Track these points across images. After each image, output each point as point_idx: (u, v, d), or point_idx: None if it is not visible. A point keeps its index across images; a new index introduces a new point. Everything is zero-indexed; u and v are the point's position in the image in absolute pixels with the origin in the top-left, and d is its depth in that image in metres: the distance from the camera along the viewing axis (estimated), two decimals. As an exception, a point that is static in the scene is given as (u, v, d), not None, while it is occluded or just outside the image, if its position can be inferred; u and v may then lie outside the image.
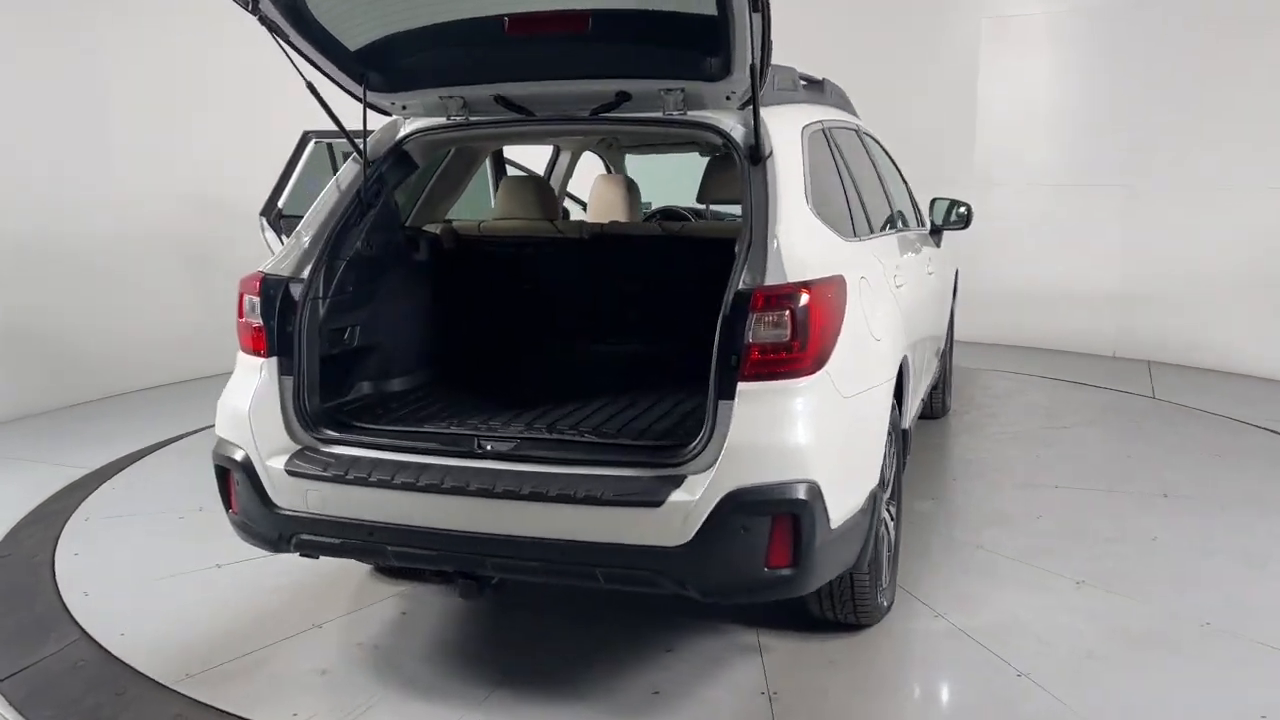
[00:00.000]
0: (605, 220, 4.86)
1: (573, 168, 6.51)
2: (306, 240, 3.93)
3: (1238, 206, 7.97)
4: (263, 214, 6.10)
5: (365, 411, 4.03)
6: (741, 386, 3.25)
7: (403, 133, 4.13)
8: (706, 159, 5.49)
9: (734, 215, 6.52)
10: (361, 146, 4.02)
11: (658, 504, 3.22)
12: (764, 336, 3.26)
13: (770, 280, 3.31)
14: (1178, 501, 5.72)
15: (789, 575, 3.26)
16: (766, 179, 3.57)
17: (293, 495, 3.61)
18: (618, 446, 3.54)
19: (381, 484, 3.44)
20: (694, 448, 3.30)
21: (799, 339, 3.27)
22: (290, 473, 3.60)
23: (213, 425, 3.92)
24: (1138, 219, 8.66)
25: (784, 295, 3.28)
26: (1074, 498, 5.76)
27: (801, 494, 3.21)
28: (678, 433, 3.63)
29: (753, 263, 3.38)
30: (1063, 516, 5.45)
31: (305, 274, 3.82)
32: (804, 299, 3.28)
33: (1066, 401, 7.81)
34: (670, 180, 6.92)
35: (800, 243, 3.44)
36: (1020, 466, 6.42)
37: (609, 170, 6.78)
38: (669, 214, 6.70)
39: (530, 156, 6.58)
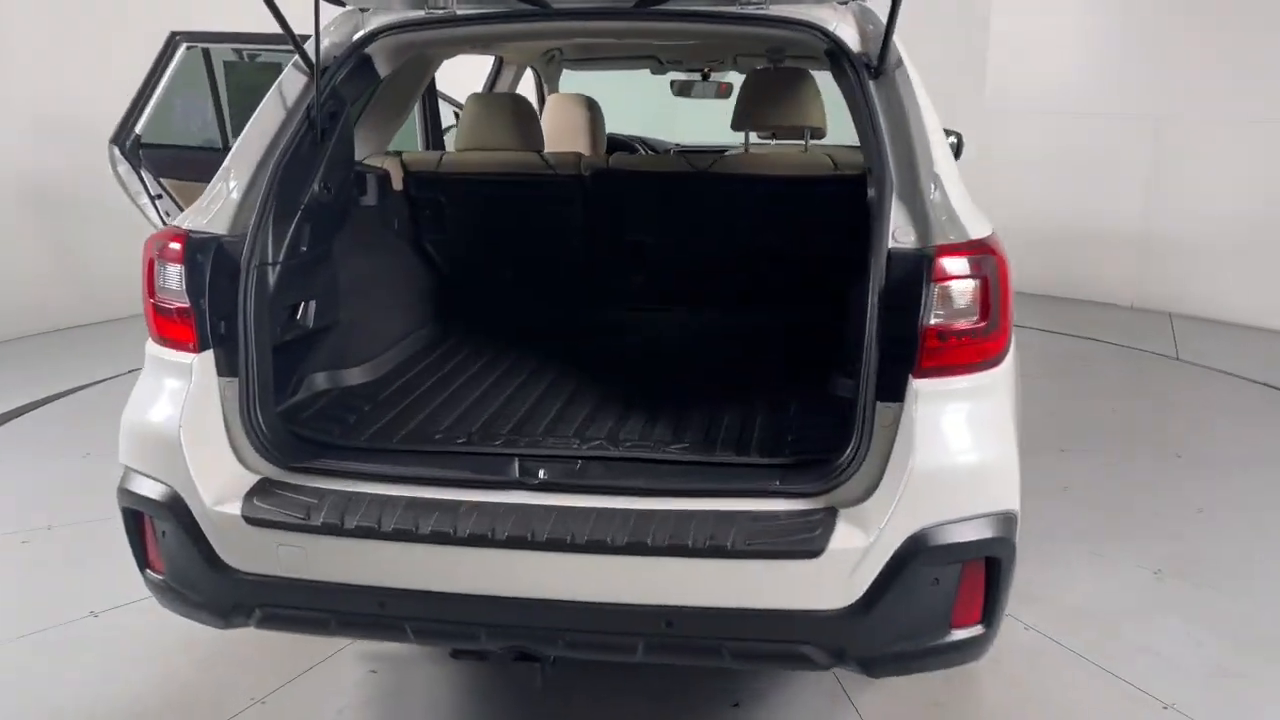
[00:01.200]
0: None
1: (515, 86, 5.37)
2: (240, 182, 2.76)
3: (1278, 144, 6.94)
4: (114, 141, 4.73)
5: (334, 419, 2.93)
6: (918, 384, 2.37)
7: (364, 30, 2.99)
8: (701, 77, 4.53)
9: (725, 146, 5.55)
10: (310, 51, 2.86)
11: (814, 553, 2.31)
12: (948, 314, 2.37)
13: (952, 237, 2.41)
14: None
15: (978, 636, 2.44)
16: (900, 99, 2.65)
17: (256, 552, 2.52)
18: (726, 467, 2.60)
19: (401, 535, 2.40)
20: (843, 467, 2.40)
21: (989, 316, 2.40)
22: (252, 520, 2.49)
23: (66, 397, 2.72)
24: (1165, 154, 7.46)
25: (974, 258, 2.39)
26: (1088, 462, 5.24)
27: (1004, 530, 2.38)
28: (804, 444, 2.70)
29: (913, 214, 2.47)
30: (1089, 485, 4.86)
31: (246, 230, 2.67)
32: (993, 262, 2.41)
33: (1082, 362, 6.91)
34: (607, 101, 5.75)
35: (960, 188, 2.55)
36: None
37: (543, 89, 5.65)
38: (615, 144, 5.66)
39: (456, 82, 5.37)
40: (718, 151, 4.11)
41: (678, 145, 6.45)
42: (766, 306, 3.84)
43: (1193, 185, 7.48)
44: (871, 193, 2.54)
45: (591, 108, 4.53)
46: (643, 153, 5.98)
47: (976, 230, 2.44)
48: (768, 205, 3.65)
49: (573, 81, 5.89)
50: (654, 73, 5.70)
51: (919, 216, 2.48)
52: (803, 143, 4.04)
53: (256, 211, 2.69)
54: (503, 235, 3.89)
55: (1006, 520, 2.38)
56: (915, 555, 2.32)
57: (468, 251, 3.94)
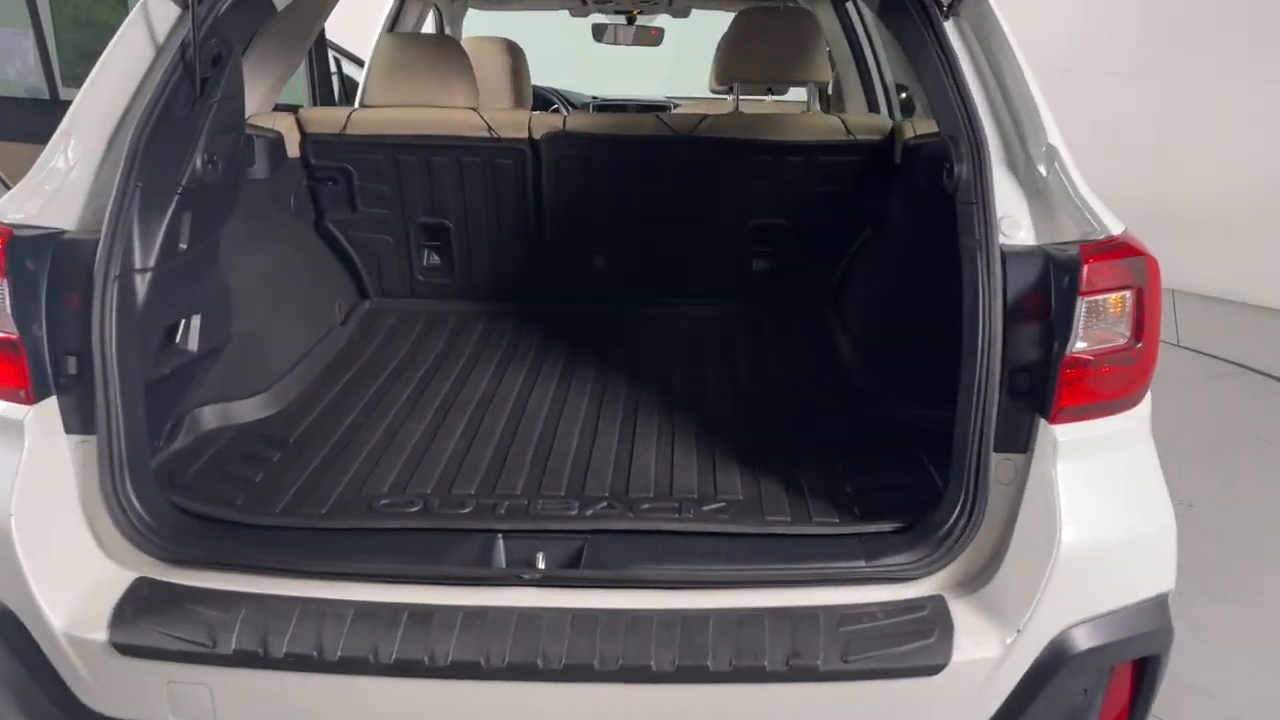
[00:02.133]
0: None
1: (420, 27, 4.50)
2: (87, 154, 1.96)
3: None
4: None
5: (232, 479, 2.16)
6: (1057, 431, 1.77)
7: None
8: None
9: (654, 101, 4.86)
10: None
11: (934, 669, 1.71)
12: (1095, 337, 1.78)
13: (1095, 233, 1.81)
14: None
15: None
16: (990, 44, 2.03)
17: (134, 695, 1.78)
18: (787, 539, 1.96)
19: (353, 666, 1.69)
20: (950, 536, 1.80)
21: (1142, 337, 1.82)
22: (126, 648, 1.74)
23: None
24: (1172, 117, 6.40)
25: (1127, 263, 1.80)
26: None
27: (1163, 617, 1.83)
28: (876, 497, 2.07)
29: (1027, 200, 1.87)
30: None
31: (100, 224, 1.87)
32: (1147, 267, 1.83)
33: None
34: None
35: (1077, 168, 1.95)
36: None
37: (441, 30, 4.81)
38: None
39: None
40: (680, 111, 3.38)
41: (595, 99, 5.70)
42: (766, 302, 3.19)
43: (1204, 153, 6.26)
44: (961, 169, 1.91)
45: (515, 55, 3.76)
46: (560, 108, 5.22)
47: (1113, 223, 1.84)
48: (766, 177, 2.99)
49: (479, 23, 5.07)
50: (574, 14, 4.94)
51: (1036, 204, 1.88)
52: (797, 101, 3.38)
53: (114, 197, 1.88)
54: (430, 216, 3.12)
55: (1162, 605, 1.82)
56: (1063, 662, 1.74)
57: (385, 237, 3.15)
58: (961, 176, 1.93)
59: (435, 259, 3.24)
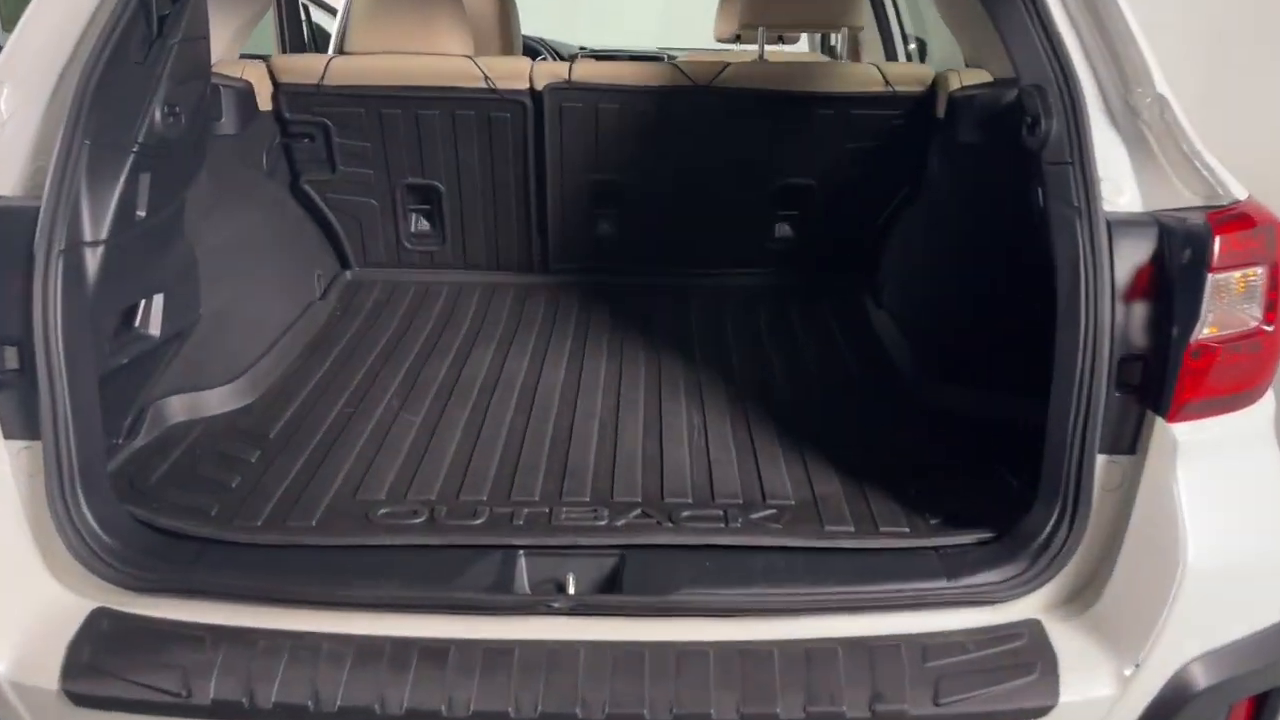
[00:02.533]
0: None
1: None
2: (24, 105, 1.65)
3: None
4: None
5: (204, 483, 1.88)
6: (1177, 430, 1.52)
7: None
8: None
9: (645, 51, 4.53)
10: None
11: (1039, 713, 1.47)
12: (1222, 319, 1.53)
13: (1219, 198, 1.56)
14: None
15: None
16: None
17: None
18: (853, 554, 1.70)
19: (353, 716, 1.43)
20: (1046, 550, 1.57)
21: (1270, 321, 1.57)
22: (82, 698, 1.47)
23: None
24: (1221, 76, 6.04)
25: (1259, 232, 1.55)
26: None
27: None
28: (944, 499, 1.81)
29: (1131, 158, 1.62)
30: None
31: (41, 190, 1.57)
32: (1278, 238, 1.57)
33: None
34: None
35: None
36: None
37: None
38: None
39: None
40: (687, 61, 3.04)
41: (583, 49, 5.35)
42: (791, 272, 2.92)
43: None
44: (1050, 124, 1.64)
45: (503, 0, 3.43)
46: (548, 58, 4.88)
47: (1236, 186, 1.59)
48: (794, 133, 2.70)
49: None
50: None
51: (1143, 163, 1.62)
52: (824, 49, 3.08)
53: (57, 156, 1.58)
54: (418, 177, 2.81)
55: None
56: (1185, 702, 1.50)
57: (369, 200, 2.84)
58: (1051, 132, 1.66)
59: (424, 224, 2.93)
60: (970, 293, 2.27)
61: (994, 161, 2.25)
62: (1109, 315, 1.54)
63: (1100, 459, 1.56)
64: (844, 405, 2.24)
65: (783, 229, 2.92)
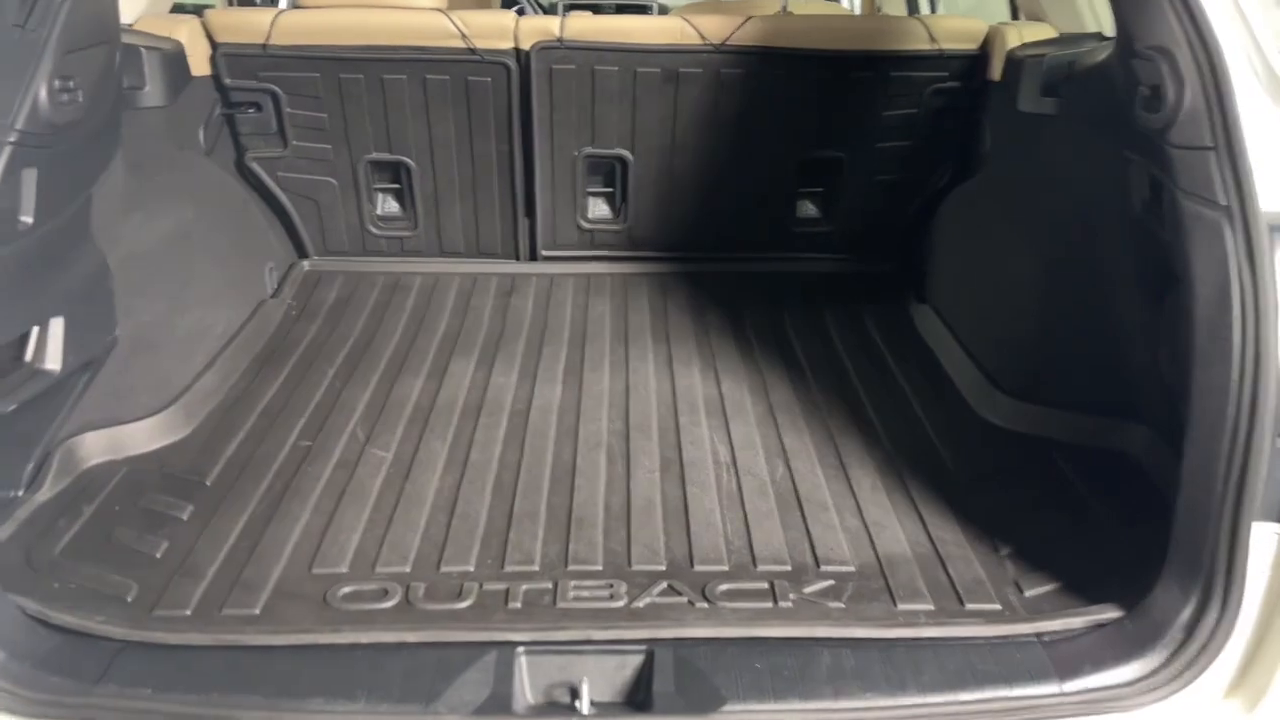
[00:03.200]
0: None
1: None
2: None
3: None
4: None
5: (121, 555, 1.51)
6: None
7: None
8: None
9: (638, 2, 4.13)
10: None
11: None
12: None
13: None
14: None
15: None
16: None
17: None
18: (940, 645, 1.36)
19: None
20: (1189, 644, 1.25)
21: None
22: None
23: None
24: None
25: None
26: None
27: None
28: (1037, 565, 1.47)
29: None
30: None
31: None
32: None
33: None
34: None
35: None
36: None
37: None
38: None
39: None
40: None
41: (567, 4, 4.91)
42: (816, 259, 2.55)
43: None
44: (1182, 96, 1.28)
45: None
46: (530, 11, 4.44)
47: None
48: (821, 98, 2.32)
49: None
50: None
51: None
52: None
53: None
54: (385, 152, 2.41)
55: None
56: None
57: (327, 179, 2.44)
58: (1182, 107, 1.29)
59: (393, 205, 2.54)
60: (1050, 294, 1.91)
61: (1072, 138, 1.89)
62: (1274, 347, 1.19)
63: (1259, 528, 1.22)
64: (898, 430, 1.88)
65: (807, 208, 2.55)
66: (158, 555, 1.50)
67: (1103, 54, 1.75)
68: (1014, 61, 2.16)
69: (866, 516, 1.62)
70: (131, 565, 1.48)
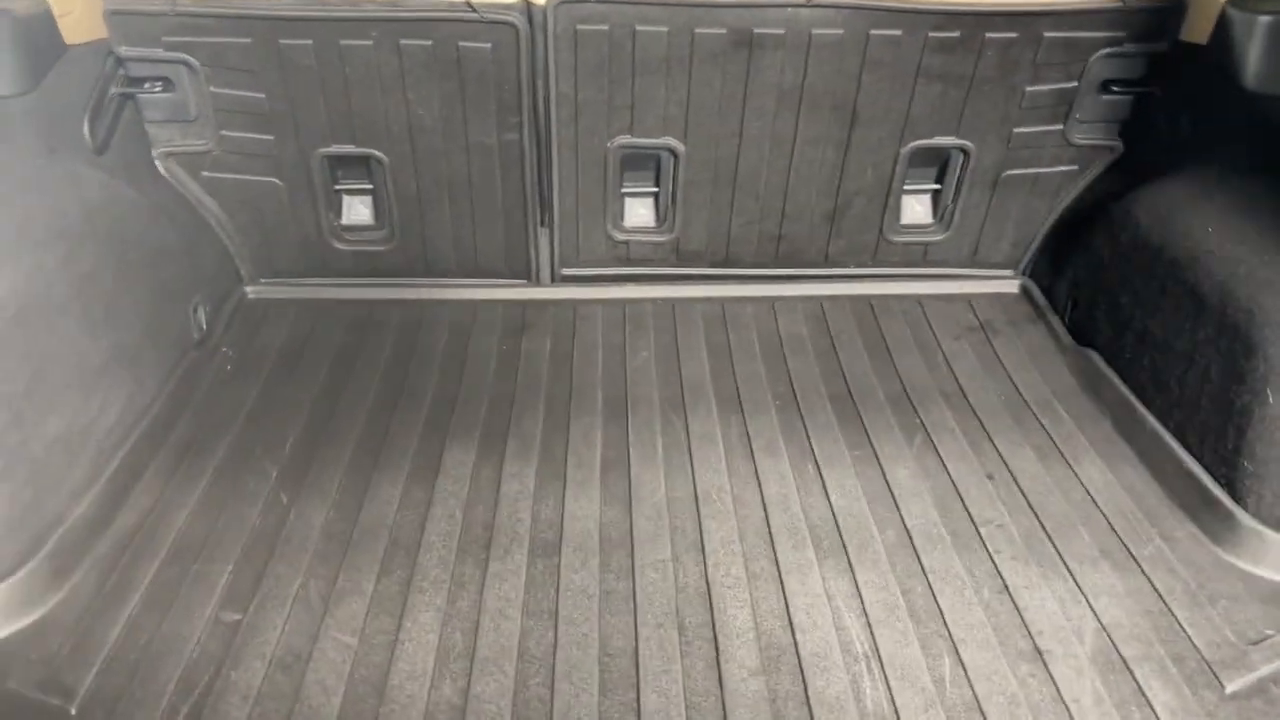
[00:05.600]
0: None
1: None
2: None
3: None
4: None
5: None
6: None
7: None
8: None
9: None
10: None
11: None
12: None
13: None
14: None
15: None
16: None
17: None
18: None
19: None
20: None
21: None
22: None
23: None
24: None
25: None
26: None
27: None
28: None
29: None
30: None
31: None
32: None
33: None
34: None
35: None
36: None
37: None
38: None
39: None
40: None
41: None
42: (929, 278, 1.94)
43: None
44: None
45: None
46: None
47: None
48: (942, 70, 1.69)
49: None
50: None
51: None
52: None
53: None
54: (346, 143, 1.76)
55: None
56: None
57: (269, 179, 1.80)
58: None
59: (361, 212, 1.90)
60: None
61: None
62: None
63: None
64: (1102, 583, 1.29)
65: (914, 211, 1.92)
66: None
67: None
68: (1232, 21, 1.52)
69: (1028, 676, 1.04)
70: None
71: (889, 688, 1.14)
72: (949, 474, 1.49)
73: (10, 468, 1.23)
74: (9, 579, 1.21)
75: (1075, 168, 1.84)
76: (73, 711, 1.10)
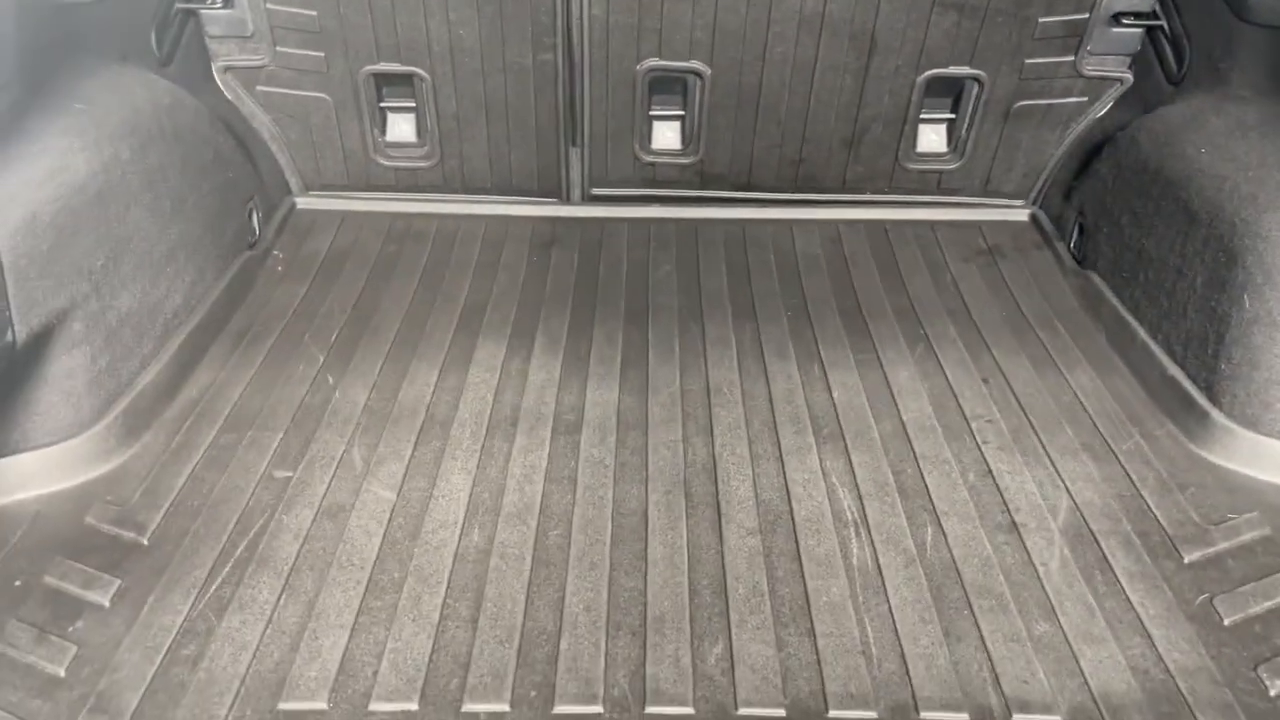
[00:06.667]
0: None
1: None
2: None
3: None
4: None
5: (13, 671, 1.06)
6: None
7: None
8: None
9: None
10: None
11: None
12: None
13: None
14: None
15: None
16: None
17: None
18: None
19: None
20: None
21: None
22: None
23: None
24: None
25: None
26: None
27: None
28: None
29: None
30: None
31: None
32: None
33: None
34: None
35: None
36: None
37: None
38: None
39: None
40: None
41: None
42: (943, 205, 2.03)
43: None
44: None
45: None
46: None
47: None
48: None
49: None
50: None
51: None
52: None
53: None
54: (393, 61, 1.88)
55: None
56: None
57: (320, 94, 1.93)
58: None
59: (404, 129, 2.02)
60: None
61: None
62: None
63: None
64: (1083, 470, 1.39)
65: (930, 139, 2.01)
66: (61, 673, 1.06)
67: None
68: None
69: (1065, 621, 1.15)
70: (18, 688, 1.03)
71: (874, 549, 1.26)
72: (946, 377, 1.60)
73: (90, 332, 1.37)
74: (89, 430, 1.36)
75: (1085, 99, 1.92)
76: (145, 543, 1.24)
